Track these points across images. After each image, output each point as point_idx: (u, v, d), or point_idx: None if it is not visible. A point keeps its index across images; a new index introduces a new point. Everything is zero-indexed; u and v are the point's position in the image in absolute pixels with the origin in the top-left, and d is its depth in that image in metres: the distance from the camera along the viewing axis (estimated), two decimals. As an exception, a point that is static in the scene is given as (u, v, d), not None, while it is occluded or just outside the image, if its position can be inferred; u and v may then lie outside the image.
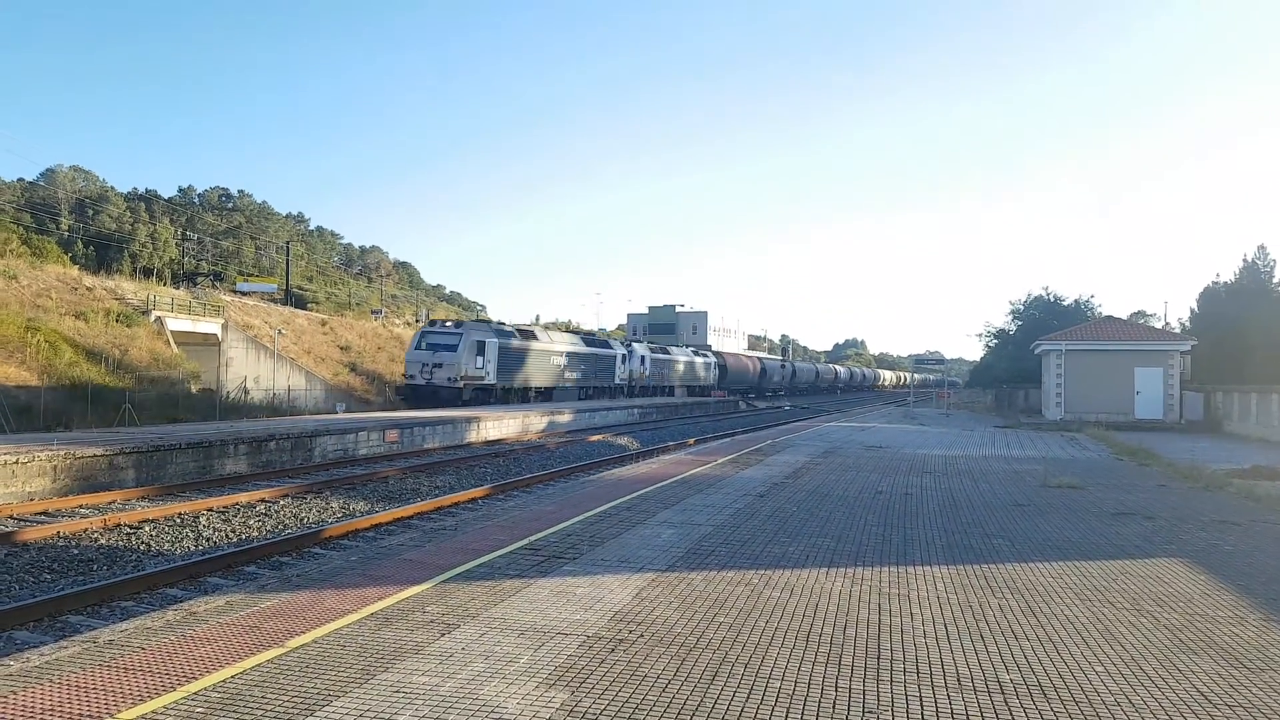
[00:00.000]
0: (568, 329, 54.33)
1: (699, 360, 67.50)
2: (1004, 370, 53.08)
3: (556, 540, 8.97)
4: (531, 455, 23.59)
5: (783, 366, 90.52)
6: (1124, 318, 46.74)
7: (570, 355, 45.67)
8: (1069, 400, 36.34)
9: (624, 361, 52.81)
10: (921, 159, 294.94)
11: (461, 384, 35.23)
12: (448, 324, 38.79)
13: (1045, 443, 24.86)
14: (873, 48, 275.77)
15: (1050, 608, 6.82)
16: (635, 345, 58.42)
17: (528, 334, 42.99)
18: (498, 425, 27.98)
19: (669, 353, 62.60)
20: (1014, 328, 54.09)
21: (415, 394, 35.67)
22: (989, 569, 8.15)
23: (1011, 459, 19.45)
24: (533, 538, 9.05)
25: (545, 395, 43.01)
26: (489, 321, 42.17)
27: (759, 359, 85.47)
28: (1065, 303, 52.20)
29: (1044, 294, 53.53)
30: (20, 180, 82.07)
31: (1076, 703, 4.81)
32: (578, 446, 26.62)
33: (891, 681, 5.06)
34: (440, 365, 35.45)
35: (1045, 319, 49.29)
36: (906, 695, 4.86)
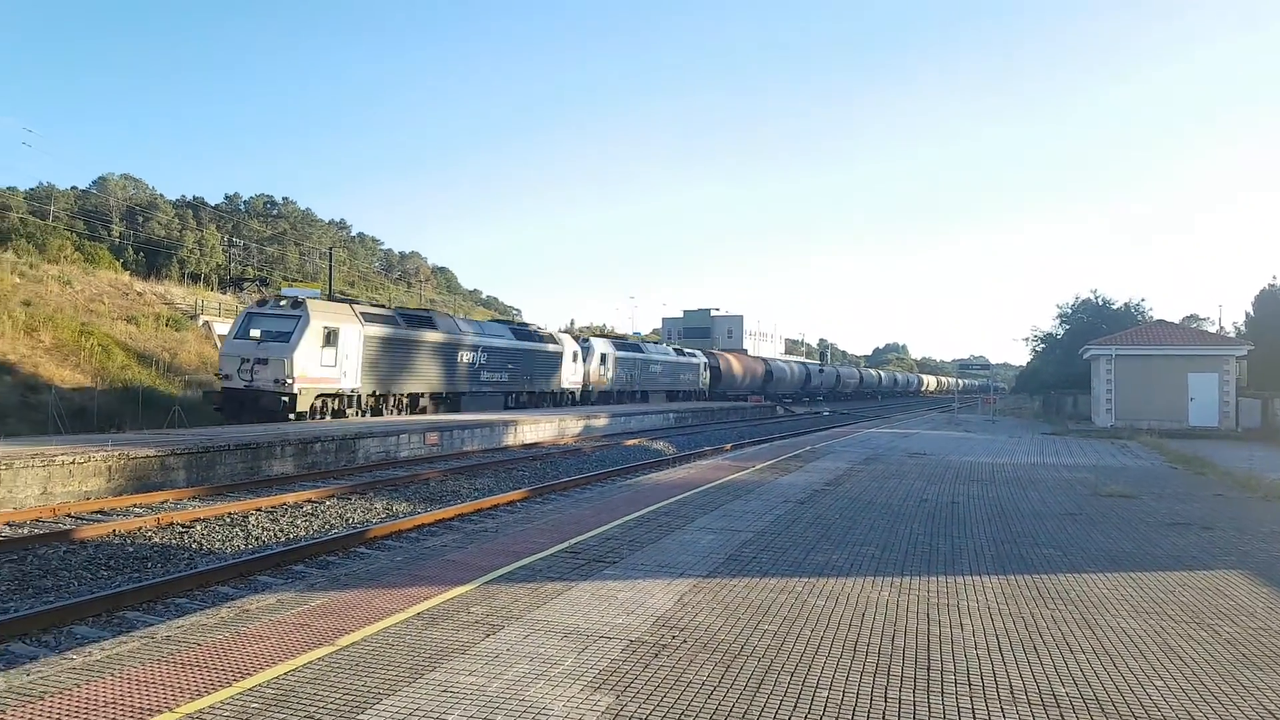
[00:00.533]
0: (513, 321, 42.38)
1: (683, 361, 56.21)
2: (1051, 375, 52.26)
3: (596, 544, 8.97)
4: (568, 459, 23.65)
5: (821, 370, 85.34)
6: (1176, 322, 45.80)
7: (489, 350, 34.27)
8: (1119, 406, 35.61)
9: (576, 360, 41.74)
10: (966, 170, 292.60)
11: (296, 389, 24.02)
12: (283, 302, 26.33)
13: (1095, 450, 24.40)
14: (920, 62, 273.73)
15: (1105, 620, 6.68)
16: (594, 341, 46.42)
17: (419, 320, 31.53)
18: (534, 429, 28.25)
19: (642, 351, 51.32)
20: (1061, 332, 53.24)
21: (228, 402, 24.46)
22: (1040, 579, 8.00)
23: (1061, 467, 19.11)
24: (572, 541, 9.07)
25: (450, 404, 32.10)
26: (354, 299, 30.93)
27: (764, 360, 73.69)
28: (1114, 306, 51.25)
29: (1092, 297, 52.60)
30: (74, 188, 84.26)
31: (1136, 718, 4.70)
32: (613, 451, 26.65)
33: (942, 693, 4.98)
34: (265, 362, 24.05)
35: (1094, 323, 48.41)
36: (958, 707, 4.78)
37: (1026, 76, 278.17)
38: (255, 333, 24.60)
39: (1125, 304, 51.37)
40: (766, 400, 64.27)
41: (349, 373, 26.28)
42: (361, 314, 27.64)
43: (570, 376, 41.00)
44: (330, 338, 25.48)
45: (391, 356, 28.47)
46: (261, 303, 27.37)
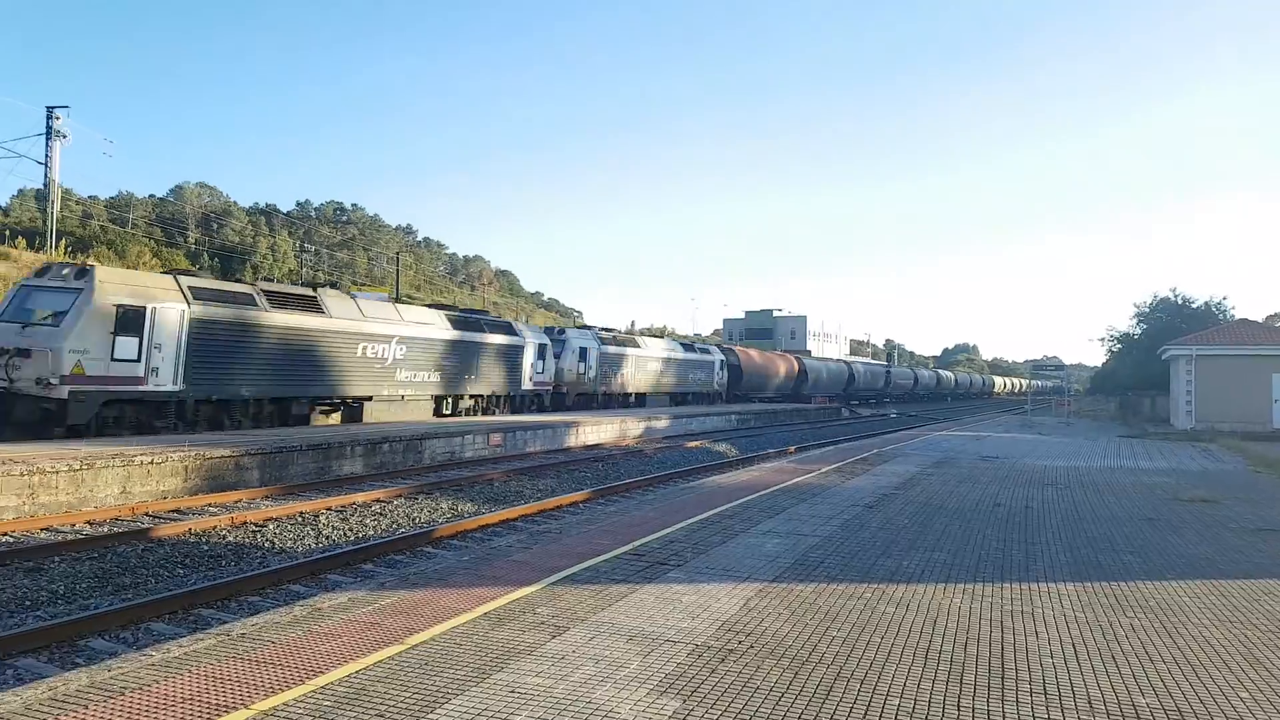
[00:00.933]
0: (469, 313, 33.25)
1: (692, 358, 47.58)
2: (1128, 376, 50.86)
3: (660, 546, 8.95)
4: (630, 460, 23.67)
5: (887, 371, 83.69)
6: (1260, 320, 44.16)
7: (411, 343, 26.62)
8: (1200, 408, 34.45)
9: (544, 355, 34.08)
10: (1041, 171, 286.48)
11: (64, 390, 17.39)
12: (65, 271, 19.40)
13: (1175, 454, 23.63)
14: (994, 66, 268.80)
15: (1187, 629, 6.45)
16: (570, 333, 38.37)
17: (294, 300, 23.16)
18: (596, 430, 28.34)
19: (638, 345, 42.64)
20: (1139, 332, 51.83)
21: None
22: (1118, 587, 7.77)
23: (1139, 471, 18.54)
24: (636, 543, 9.05)
25: (349, 412, 24.97)
26: (188, 270, 25.09)
27: (797, 358, 63.60)
28: (1194, 305, 49.71)
29: (1171, 296, 51.13)
30: (151, 196, 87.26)
31: (1222, 732, 4.53)
32: (675, 453, 26.61)
33: (1018, 702, 4.85)
34: (27, 354, 17.47)
35: (1173, 322, 47.03)
36: (1034, 717, 4.65)
37: (1103, 81, 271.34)
38: (43, 312, 18.17)
39: (1206, 302, 49.79)
40: (831, 402, 62.23)
41: (162, 370, 19.22)
42: (190, 289, 20.18)
43: (534, 376, 33.43)
44: (130, 321, 18.53)
45: (240, 349, 20.97)
46: (42, 270, 20.13)
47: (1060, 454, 22.67)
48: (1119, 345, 55.41)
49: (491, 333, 31.51)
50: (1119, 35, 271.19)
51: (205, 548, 11.47)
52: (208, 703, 4.56)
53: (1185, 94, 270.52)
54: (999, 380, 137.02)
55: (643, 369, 42.35)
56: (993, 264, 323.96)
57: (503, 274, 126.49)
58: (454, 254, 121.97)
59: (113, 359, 18.32)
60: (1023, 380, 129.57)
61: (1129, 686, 5.18)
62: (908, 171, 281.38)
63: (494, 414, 30.98)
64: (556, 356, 35.70)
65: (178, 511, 13.74)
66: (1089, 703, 4.89)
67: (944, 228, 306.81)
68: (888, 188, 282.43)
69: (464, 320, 30.68)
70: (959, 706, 4.77)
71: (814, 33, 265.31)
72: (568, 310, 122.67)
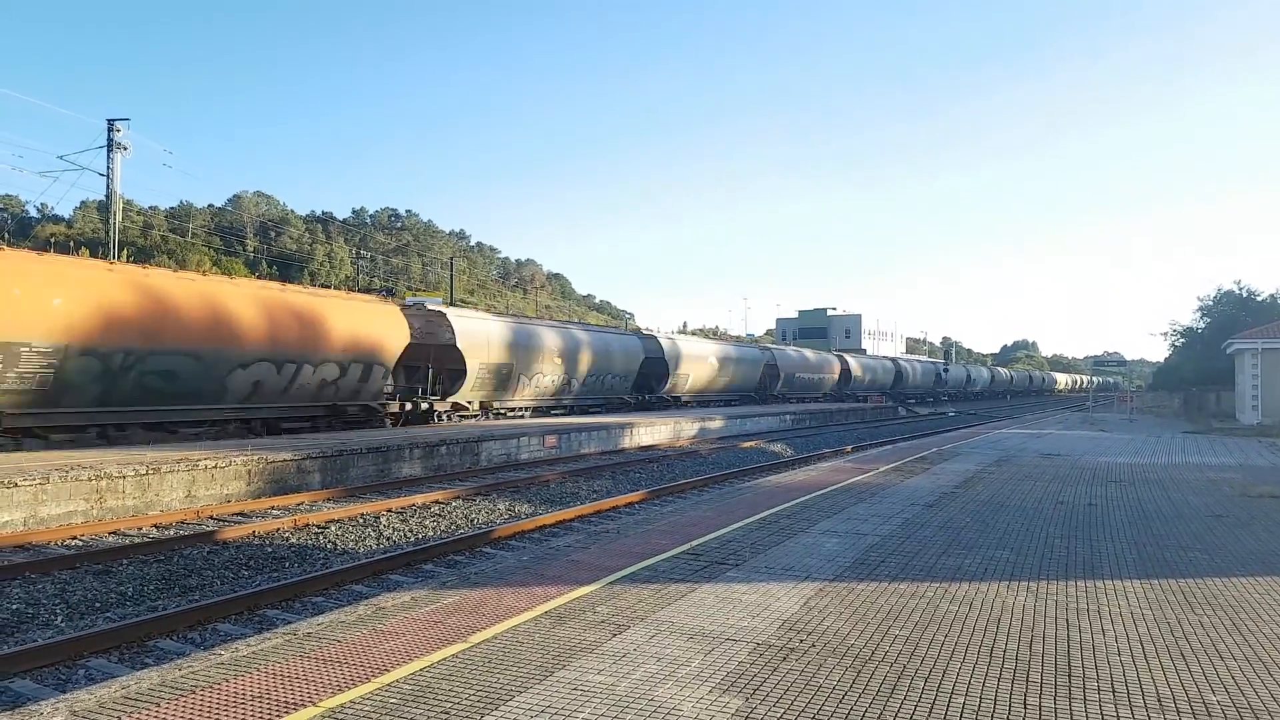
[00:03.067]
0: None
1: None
2: (1191, 371, 49.54)
3: (717, 546, 8.94)
4: (685, 461, 23.65)
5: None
6: (1330, 312, 42.72)
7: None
8: (1267, 403, 33.46)
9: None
10: (1100, 163, 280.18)
11: None
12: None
13: (1241, 449, 22.96)
14: (1053, 61, 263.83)
15: (1258, 626, 6.28)
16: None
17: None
18: (650, 431, 28.37)
19: None
20: (1202, 325, 50.50)
21: None
22: (1186, 584, 7.58)
23: (1205, 466, 18.06)
24: (693, 543, 9.05)
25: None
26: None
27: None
28: (1260, 297, 48.29)
29: (1235, 288, 49.73)
30: (210, 206, 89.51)
31: (1301, 732, 4.40)
32: (730, 453, 26.52)
33: (1085, 700, 4.77)
34: None
35: (1237, 315, 45.76)
36: (1102, 714, 4.57)
37: (1163, 73, 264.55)
38: None
39: (1272, 295, 48.35)
40: (886, 402, 60.72)
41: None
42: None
43: None
44: None
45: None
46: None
47: (1123, 451, 22.17)
48: (1182, 340, 54.05)
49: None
50: (1170, 27, 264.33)
51: (269, 550, 11.71)
52: (276, 700, 4.67)
53: (1236, 86, 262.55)
54: (1060, 377, 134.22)
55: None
56: (1051, 258, 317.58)
57: (555, 277, 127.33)
58: (506, 258, 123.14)
59: None
60: (1084, 376, 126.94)
61: (1199, 684, 5.07)
62: (964, 167, 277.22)
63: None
64: None
65: (241, 514, 14.05)
66: (1158, 700, 4.79)
67: (1001, 224, 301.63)
68: (944, 185, 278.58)
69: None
70: (1025, 705, 4.70)
71: (862, 33, 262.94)
72: (620, 313, 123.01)
